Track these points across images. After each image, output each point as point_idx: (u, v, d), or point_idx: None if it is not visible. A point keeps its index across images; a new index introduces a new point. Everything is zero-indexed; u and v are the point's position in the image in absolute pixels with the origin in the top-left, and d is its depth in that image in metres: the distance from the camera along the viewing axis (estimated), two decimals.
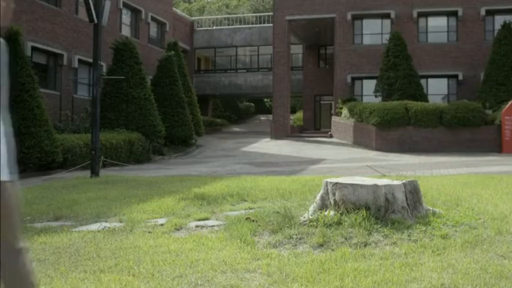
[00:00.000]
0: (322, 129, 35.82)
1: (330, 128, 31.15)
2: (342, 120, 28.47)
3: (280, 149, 25.73)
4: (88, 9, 13.40)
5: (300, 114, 41.21)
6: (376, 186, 5.43)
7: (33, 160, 16.65)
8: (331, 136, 30.08)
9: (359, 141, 25.67)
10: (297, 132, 33.88)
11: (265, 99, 54.70)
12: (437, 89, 29.42)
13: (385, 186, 5.48)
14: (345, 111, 28.26)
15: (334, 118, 30.44)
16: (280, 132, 31.55)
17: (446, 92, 29.68)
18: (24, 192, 10.39)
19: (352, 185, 5.51)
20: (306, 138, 30.64)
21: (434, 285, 3.74)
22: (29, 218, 7.05)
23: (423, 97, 26.51)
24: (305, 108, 38.44)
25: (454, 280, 3.80)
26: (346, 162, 18.67)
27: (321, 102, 37.70)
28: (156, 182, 11.26)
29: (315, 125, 37.53)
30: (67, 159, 17.73)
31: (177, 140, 26.37)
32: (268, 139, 31.10)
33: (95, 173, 13.47)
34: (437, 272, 4.01)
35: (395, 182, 5.68)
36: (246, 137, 34.40)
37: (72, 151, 18.02)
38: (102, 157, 15.72)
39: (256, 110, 55.10)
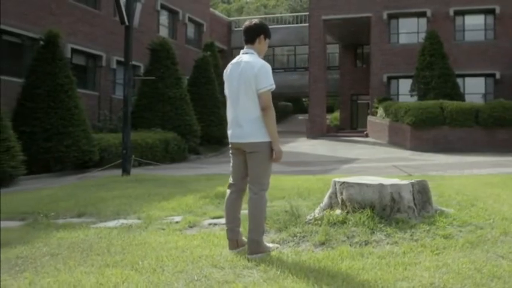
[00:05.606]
0: (358, 128, 35.65)
1: (366, 127, 31.00)
2: (378, 120, 28.31)
3: (315, 148, 25.74)
4: (119, 12, 13.73)
5: (337, 114, 41.10)
6: (381, 185, 5.48)
7: (71, 159, 17.14)
8: (366, 136, 29.94)
9: (394, 140, 25.48)
10: (333, 132, 33.81)
11: (303, 99, 54.58)
12: (474, 88, 28.87)
13: (391, 185, 5.52)
14: (380, 111, 28.10)
15: (369, 118, 30.29)
16: (316, 131, 31.53)
17: (483, 91, 29.13)
18: (55, 190, 10.79)
19: (358, 184, 5.58)
20: (342, 138, 30.56)
21: (423, 284, 3.77)
22: (53, 214, 7.36)
23: (459, 96, 26.09)
24: (342, 108, 38.32)
25: (444, 280, 3.83)
26: (379, 161, 18.59)
27: (358, 101, 37.51)
28: (184, 181, 11.50)
29: (351, 125, 37.38)
30: (103, 158, 18.15)
31: (212, 140, 26.64)
32: (304, 138, 31.12)
33: (126, 171, 13.77)
34: (430, 271, 4.03)
35: (403, 182, 5.71)
36: (282, 136, 33.87)
37: (108, 150, 18.45)
38: (133, 156, 16.04)
39: (294, 109, 54.98)
